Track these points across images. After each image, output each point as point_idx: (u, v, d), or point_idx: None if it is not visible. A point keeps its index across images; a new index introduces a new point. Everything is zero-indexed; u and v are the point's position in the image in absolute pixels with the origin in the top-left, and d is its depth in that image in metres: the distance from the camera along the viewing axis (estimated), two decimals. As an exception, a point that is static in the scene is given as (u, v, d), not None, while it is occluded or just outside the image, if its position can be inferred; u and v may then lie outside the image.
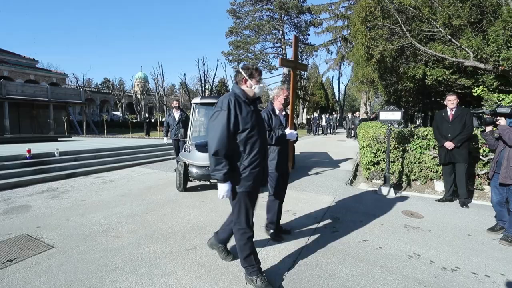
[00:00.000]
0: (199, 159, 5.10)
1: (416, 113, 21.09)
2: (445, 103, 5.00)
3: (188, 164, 5.23)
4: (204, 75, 37.44)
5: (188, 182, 5.65)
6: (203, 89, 38.24)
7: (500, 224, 3.80)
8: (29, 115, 21.24)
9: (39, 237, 3.40)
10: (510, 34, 5.84)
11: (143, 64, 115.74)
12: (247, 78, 2.35)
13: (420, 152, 6.32)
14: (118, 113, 43.15)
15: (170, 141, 7.50)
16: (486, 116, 4.02)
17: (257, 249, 3.11)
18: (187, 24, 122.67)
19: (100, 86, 53.10)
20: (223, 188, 2.22)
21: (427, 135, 6.32)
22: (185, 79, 38.72)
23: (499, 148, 3.75)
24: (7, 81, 20.35)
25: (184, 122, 7.17)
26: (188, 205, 4.69)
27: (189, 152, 5.36)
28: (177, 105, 7.41)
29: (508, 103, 6.75)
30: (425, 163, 6.21)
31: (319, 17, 26.46)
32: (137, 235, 3.49)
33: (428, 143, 6.27)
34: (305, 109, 33.90)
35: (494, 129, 3.91)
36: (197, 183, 5.60)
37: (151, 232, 3.57)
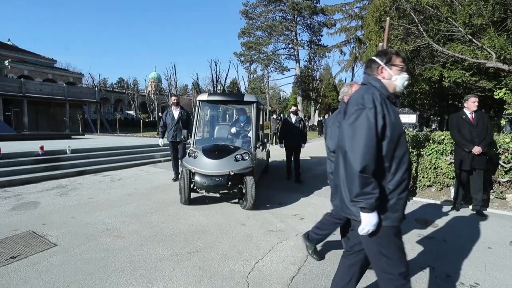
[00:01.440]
0: (208, 167, 4.33)
1: (432, 117, 20.44)
2: (465, 105, 4.66)
3: (194, 172, 4.38)
4: (216, 75, 37.66)
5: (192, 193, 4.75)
6: (215, 89, 38.43)
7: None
8: (46, 113, 21.92)
9: (44, 234, 3.40)
10: (536, 34, 5.49)
11: (157, 64, 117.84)
12: (384, 66, 1.71)
13: (436, 157, 6.03)
14: (132, 112, 43.96)
15: (166, 142, 6.47)
16: None
17: (261, 255, 3.00)
18: (201, 25, 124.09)
19: (115, 86, 54.34)
20: (371, 220, 1.55)
21: (443, 139, 6.03)
22: (198, 79, 39.04)
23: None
24: (26, 80, 21.08)
25: (185, 121, 6.29)
26: (193, 206, 4.62)
27: (195, 158, 4.49)
28: (176, 101, 6.36)
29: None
30: (441, 168, 5.92)
31: (332, 17, 26.11)
32: (140, 235, 3.44)
33: (444, 148, 5.98)
34: (316, 111, 33.51)
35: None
36: (204, 194, 4.57)
37: (154, 233, 3.51)
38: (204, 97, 5.38)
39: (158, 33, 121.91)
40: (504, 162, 5.10)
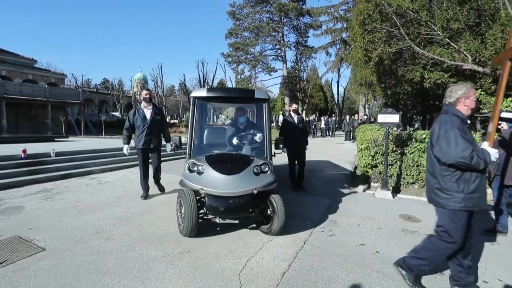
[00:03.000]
0: (223, 186, 3.27)
1: (415, 116, 21.12)
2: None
3: (205, 194, 3.32)
4: (204, 76, 37.47)
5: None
6: (202, 90, 38.18)
7: (498, 226, 3.78)
8: (27, 115, 21.15)
9: (31, 239, 3.34)
10: (508, 38, 5.84)
11: (142, 65, 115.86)
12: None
13: (418, 155, 6.29)
14: (117, 113, 43.06)
15: (132, 148, 5.08)
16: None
17: (252, 253, 3.07)
18: (187, 25, 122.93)
19: (99, 87, 53.00)
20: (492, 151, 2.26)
21: (425, 138, 6.30)
22: (185, 80, 38.76)
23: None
24: (5, 81, 20.28)
25: (159, 122, 5.04)
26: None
27: (200, 173, 3.48)
28: (147, 96, 4.93)
29: (506, 107, 6.75)
30: (423, 166, 6.18)
31: (318, 19, 26.51)
32: (131, 237, 3.43)
33: (426, 146, 6.24)
34: (304, 111, 33.92)
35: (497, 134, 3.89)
36: (218, 221, 3.53)
37: (145, 235, 3.51)
38: (202, 93, 4.13)
39: (143, 33, 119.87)
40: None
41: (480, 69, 6.44)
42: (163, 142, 5.29)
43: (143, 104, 4.97)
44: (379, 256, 3.09)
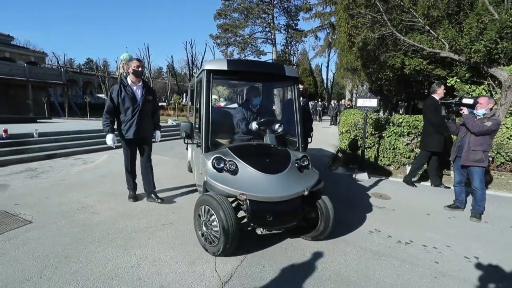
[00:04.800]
0: (270, 188, 2.61)
1: (400, 102, 21.59)
2: (439, 92, 5.03)
3: (247, 200, 2.52)
4: (192, 58, 36.68)
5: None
6: (191, 72, 37.46)
7: (456, 202, 4.17)
8: (5, 95, 20.36)
9: (17, 213, 3.46)
10: (482, 27, 6.08)
11: (128, 45, 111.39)
12: None
13: (395, 139, 6.63)
14: (103, 95, 41.88)
15: (116, 142, 3.78)
16: (453, 105, 4.32)
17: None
18: (174, 4, 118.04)
19: (83, 67, 51.10)
20: None
21: (401, 122, 6.63)
22: (173, 62, 37.88)
23: (461, 134, 4.05)
24: (-20, 59, 19.32)
25: (152, 104, 3.90)
26: (170, 185, 4.81)
27: (234, 173, 2.72)
28: (139, 69, 3.70)
29: (478, 94, 7.11)
30: (399, 149, 6.55)
31: (309, 2, 26.14)
32: (116, 212, 3.61)
33: (402, 130, 6.59)
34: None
35: (459, 118, 4.20)
36: (261, 232, 2.77)
37: (129, 210, 3.70)
38: (220, 65, 3.11)
39: (128, 11, 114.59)
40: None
41: (456, 56, 6.70)
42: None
43: (131, 79, 3.67)
44: (346, 228, 3.39)
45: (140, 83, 3.77)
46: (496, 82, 6.74)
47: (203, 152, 2.99)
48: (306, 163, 3.11)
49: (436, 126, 4.95)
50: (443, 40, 6.75)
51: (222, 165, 2.77)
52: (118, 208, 3.73)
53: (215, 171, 2.75)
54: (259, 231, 2.71)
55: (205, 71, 3.10)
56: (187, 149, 6.00)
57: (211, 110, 3.10)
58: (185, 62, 39.03)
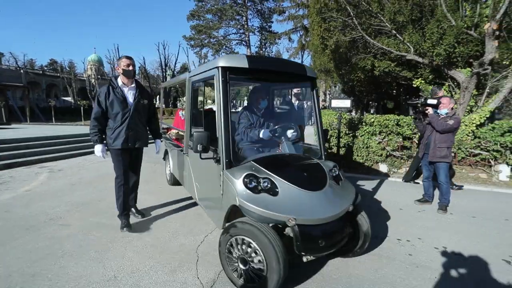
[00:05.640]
0: (318, 208, 2.25)
1: (371, 103, 22.59)
2: (440, 94, 5.02)
3: (296, 226, 2.05)
4: (165, 59, 35.77)
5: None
6: (164, 74, 36.53)
7: (425, 196, 4.43)
8: (-45, 99, 18.53)
9: (-26, 230, 3.16)
10: (442, 33, 6.54)
11: (96, 46, 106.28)
12: None
13: (368, 138, 6.92)
14: (69, 98, 39.54)
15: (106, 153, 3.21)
16: (419, 105, 4.58)
17: (211, 229, 3.26)
18: (145, 2, 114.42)
19: (45, 68, 47.88)
20: None
21: (373, 122, 6.94)
22: (145, 63, 36.64)
23: (427, 132, 4.32)
24: None
25: (147, 109, 3.39)
26: (146, 191, 4.63)
27: (276, 193, 2.27)
28: (131, 68, 3.16)
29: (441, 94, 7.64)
30: (372, 147, 6.84)
31: (282, 4, 26.56)
32: (88, 222, 3.42)
33: (374, 130, 6.89)
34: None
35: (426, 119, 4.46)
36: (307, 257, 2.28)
37: (103, 219, 3.51)
38: (238, 62, 2.60)
39: (96, 11, 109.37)
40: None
41: (420, 59, 7.15)
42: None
43: (121, 80, 3.18)
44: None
45: (133, 85, 3.25)
46: (455, 83, 7.27)
47: (224, 169, 2.44)
48: (337, 172, 2.78)
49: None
50: (408, 44, 7.17)
51: (254, 183, 2.26)
52: (91, 218, 3.53)
53: (250, 192, 2.22)
54: (305, 258, 2.23)
55: (219, 68, 2.53)
56: (164, 158, 5.31)
57: (230, 117, 2.55)
58: (157, 64, 37.94)
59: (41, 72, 41.16)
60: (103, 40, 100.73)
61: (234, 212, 2.37)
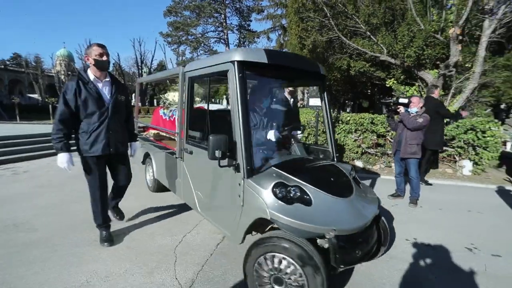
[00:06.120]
0: (354, 214, 2.13)
1: (347, 102, 23.29)
2: (436, 93, 5.36)
3: (331, 238, 1.83)
4: (141, 56, 34.63)
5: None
6: (140, 72, 35.34)
7: (398, 191, 4.64)
8: None
9: None
10: (412, 36, 6.89)
11: (66, 40, 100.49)
12: None
13: (344, 136, 7.13)
14: (36, 95, 37.16)
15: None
16: (391, 104, 4.80)
17: (189, 229, 3.22)
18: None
19: (8, 63, 44.59)
20: None
21: (349, 120, 7.16)
22: (119, 60, 35.23)
23: (399, 130, 4.52)
24: None
25: (124, 105, 2.91)
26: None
27: (309, 203, 2.04)
28: (105, 58, 2.66)
29: (412, 94, 8.05)
30: (348, 145, 7.06)
31: (260, 3, 26.63)
32: (60, 225, 3.24)
33: (350, 128, 7.12)
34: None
35: (397, 116, 4.67)
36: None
37: (77, 222, 3.35)
38: (257, 56, 2.31)
39: (66, 2, 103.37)
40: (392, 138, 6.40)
41: (393, 60, 7.50)
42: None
43: (93, 73, 2.65)
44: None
45: (108, 79, 2.75)
46: (425, 84, 7.69)
47: (245, 177, 2.15)
48: (354, 175, 2.62)
49: (452, 116, 5.39)
50: (381, 45, 7.48)
51: (284, 193, 2.03)
52: (63, 222, 3.35)
53: (282, 203, 1.98)
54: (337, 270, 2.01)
55: (235, 63, 2.21)
56: (144, 162, 4.73)
57: (250, 119, 2.24)
58: (133, 60, 36.63)
59: (2, 66, 38.30)
60: (73, 35, 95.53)
61: (255, 225, 2.17)
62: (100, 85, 2.70)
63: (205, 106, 2.46)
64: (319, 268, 1.79)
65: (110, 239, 2.88)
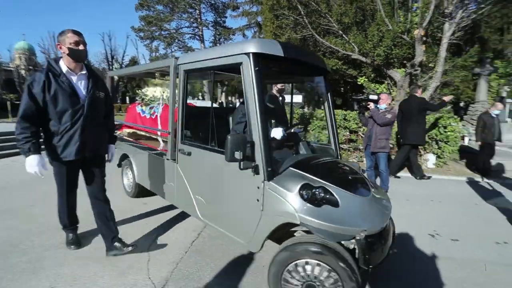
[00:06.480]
0: (376, 213, 2.08)
1: (321, 99, 23.87)
2: (419, 92, 5.54)
3: (359, 239, 1.77)
4: (111, 51, 33.02)
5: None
6: (110, 67, 33.68)
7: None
8: None
9: None
10: (381, 35, 7.20)
11: (26, 31, 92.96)
12: None
13: (319, 132, 7.31)
14: (-10, 92, 34.16)
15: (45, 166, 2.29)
16: (362, 101, 4.99)
17: (162, 229, 3.14)
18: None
19: (-42, 56, 40.48)
20: None
21: (323, 117, 7.35)
22: (87, 55, 33.21)
23: (369, 126, 4.72)
24: None
25: (103, 102, 2.54)
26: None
27: (337, 203, 1.92)
28: (82, 48, 2.28)
29: (381, 91, 8.43)
30: (322, 141, 7.24)
31: (236, 0, 26.44)
32: (18, 230, 3.01)
33: (324, 124, 7.31)
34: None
35: (367, 112, 4.87)
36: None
37: (37, 226, 3.13)
38: (273, 48, 2.16)
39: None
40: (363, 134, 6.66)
41: (364, 59, 7.79)
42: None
43: (66, 64, 2.29)
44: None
45: (84, 71, 2.37)
46: (393, 82, 8.08)
47: (266, 180, 2.01)
48: (361, 172, 2.56)
49: (439, 106, 5.49)
50: (353, 44, 7.74)
51: (310, 194, 1.92)
52: (21, 226, 3.11)
53: (310, 205, 1.87)
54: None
55: (251, 55, 2.03)
56: (120, 165, 4.30)
57: (262, 110, 2.03)
58: (103, 56, 34.82)
59: (-48, 60, 34.75)
60: (34, 27, 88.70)
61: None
62: (74, 78, 2.31)
63: (193, 103, 2.20)
64: (354, 271, 1.73)
65: (77, 241, 2.70)
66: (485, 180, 5.80)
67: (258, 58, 2.05)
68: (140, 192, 3.93)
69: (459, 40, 7.54)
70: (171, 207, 3.75)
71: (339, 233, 1.79)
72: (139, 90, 4.82)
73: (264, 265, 2.50)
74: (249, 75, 2.04)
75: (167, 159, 2.94)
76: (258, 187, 2.04)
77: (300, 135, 2.91)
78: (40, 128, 2.27)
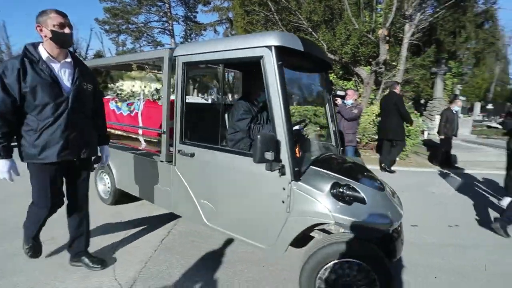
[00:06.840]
0: (396, 207, 2.11)
1: (293, 95, 24.31)
2: (398, 88, 5.67)
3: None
4: (74, 45, 30.89)
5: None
6: (72, 61, 31.47)
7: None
8: None
9: None
10: (349, 34, 7.48)
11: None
12: None
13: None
14: None
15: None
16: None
17: (131, 228, 3.03)
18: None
19: None
20: None
21: (294, 113, 7.50)
22: (44, 47, 30.75)
23: (337, 120, 4.90)
24: None
25: (91, 98, 2.18)
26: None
27: (364, 201, 1.87)
28: (64, 28, 1.92)
29: (348, 88, 8.79)
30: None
31: (207, -5, 25.92)
32: (-35, 238, 2.74)
33: (295, 119, 7.46)
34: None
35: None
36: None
37: (3, 230, 2.87)
38: (293, 43, 2.05)
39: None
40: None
41: (332, 56, 8.04)
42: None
43: (48, 49, 1.95)
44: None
45: (69, 59, 2.03)
46: (360, 79, 8.44)
47: (293, 180, 1.93)
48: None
49: (408, 116, 5.54)
50: (322, 42, 7.95)
51: (340, 193, 1.87)
52: (-31, 233, 2.84)
53: (343, 204, 1.85)
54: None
55: (273, 48, 1.91)
56: (92, 170, 3.76)
57: (285, 105, 1.90)
58: (63, 49, 32.42)
59: None
60: (-17, 16, 79.96)
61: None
62: (56, 66, 1.96)
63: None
64: (387, 266, 1.77)
65: (38, 247, 2.40)
66: (442, 170, 6.31)
67: (281, 51, 1.94)
68: (120, 199, 3.58)
69: (418, 41, 8.07)
70: (138, 206, 3.63)
71: (372, 229, 1.83)
72: (112, 85, 4.39)
73: (236, 260, 2.51)
74: (271, 71, 1.93)
75: (161, 161, 2.67)
76: (284, 188, 1.94)
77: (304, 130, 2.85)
78: (14, 127, 1.92)
